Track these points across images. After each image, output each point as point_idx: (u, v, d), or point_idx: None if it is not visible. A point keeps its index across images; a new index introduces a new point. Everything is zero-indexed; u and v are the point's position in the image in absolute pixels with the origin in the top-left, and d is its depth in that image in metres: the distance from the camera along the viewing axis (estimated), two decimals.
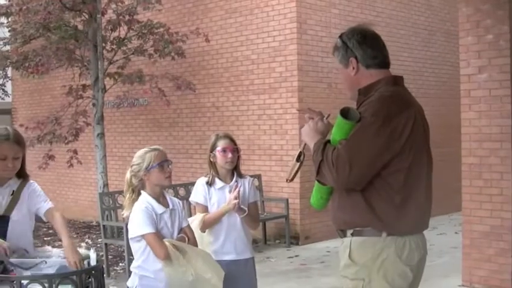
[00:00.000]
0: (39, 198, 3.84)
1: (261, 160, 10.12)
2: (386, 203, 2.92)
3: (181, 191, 9.31)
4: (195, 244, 3.90)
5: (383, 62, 3.09)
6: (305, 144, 3.14)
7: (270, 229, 9.91)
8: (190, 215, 4.95)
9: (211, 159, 4.31)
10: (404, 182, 2.91)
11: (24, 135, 10.08)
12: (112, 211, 8.81)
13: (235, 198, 4.14)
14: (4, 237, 3.61)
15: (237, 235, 4.29)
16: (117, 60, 10.63)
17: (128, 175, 3.79)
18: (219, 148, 4.26)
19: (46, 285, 3.33)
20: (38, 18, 10.00)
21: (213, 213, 4.24)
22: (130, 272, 3.87)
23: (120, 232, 8.77)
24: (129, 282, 3.84)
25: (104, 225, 8.57)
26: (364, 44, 3.04)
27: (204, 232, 4.23)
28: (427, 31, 12.16)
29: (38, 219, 3.92)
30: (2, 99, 13.95)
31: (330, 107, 8.17)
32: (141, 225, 3.65)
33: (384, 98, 2.95)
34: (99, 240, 10.03)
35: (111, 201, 8.78)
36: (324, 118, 3.14)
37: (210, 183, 4.30)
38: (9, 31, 11.20)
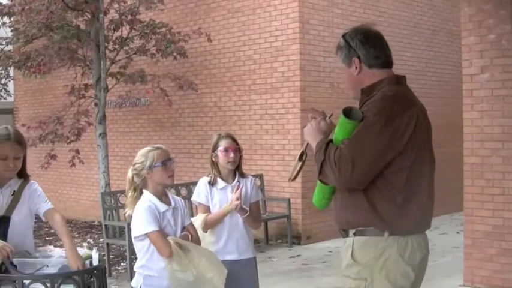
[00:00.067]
0: (39, 198, 3.83)
1: (262, 160, 10.11)
2: (389, 203, 2.91)
3: (183, 191, 9.31)
4: (199, 242, 3.89)
5: (386, 61, 3.08)
6: (307, 143, 3.14)
7: (271, 229, 9.91)
8: (192, 215, 4.94)
9: (213, 159, 4.30)
10: (407, 181, 2.91)
11: (26, 134, 10.13)
12: (114, 211, 8.81)
13: (237, 199, 4.14)
14: (5, 237, 3.61)
15: (239, 235, 4.29)
16: (119, 60, 10.63)
17: (130, 173, 3.77)
18: (221, 148, 4.26)
19: (48, 285, 3.32)
20: (40, 17, 10.01)
21: (215, 214, 4.24)
22: (132, 272, 3.87)
23: (121, 232, 8.77)
24: (133, 283, 3.83)
25: (105, 225, 8.58)
26: (367, 44, 3.04)
27: (206, 232, 4.23)
28: (429, 31, 12.15)
29: (36, 217, 3.92)
30: (5, 98, 13.98)
31: (332, 107, 8.16)
32: (144, 223, 3.64)
33: (386, 98, 2.94)
34: (101, 240, 10.03)
35: (112, 201, 8.79)
36: (327, 118, 3.14)
37: (212, 183, 4.30)
38: (11, 31, 11.21)
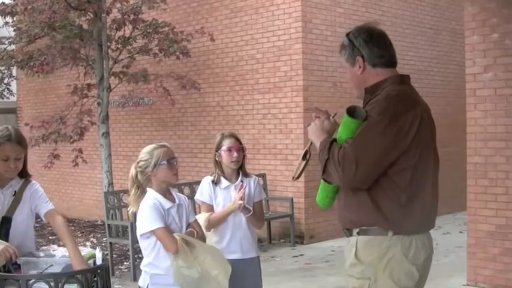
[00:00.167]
0: (40, 199, 3.82)
1: (265, 159, 10.11)
2: (393, 202, 2.91)
3: (186, 190, 9.30)
4: (204, 239, 3.88)
5: (390, 61, 3.08)
6: (311, 142, 3.14)
7: (274, 228, 9.91)
8: (195, 215, 4.94)
9: (217, 159, 4.31)
10: (411, 181, 2.90)
11: (29, 134, 10.16)
12: (117, 210, 8.81)
13: (241, 199, 4.13)
14: (6, 238, 3.60)
15: (242, 234, 4.29)
16: (122, 60, 10.63)
17: (133, 171, 3.75)
18: (224, 147, 4.26)
19: (52, 284, 3.32)
20: (43, 17, 10.01)
21: (218, 213, 4.24)
22: (135, 271, 3.86)
23: (125, 231, 8.77)
24: (140, 282, 3.82)
25: (108, 224, 8.58)
26: (371, 43, 3.03)
27: (209, 231, 4.22)
28: (432, 30, 12.14)
29: (38, 216, 3.90)
30: (7, 98, 14.01)
31: (335, 106, 8.15)
32: (150, 220, 3.62)
33: (390, 97, 2.94)
34: (104, 239, 10.04)
35: (116, 200, 8.80)
36: (330, 117, 3.14)
37: (215, 183, 4.30)
38: (14, 30, 11.21)
